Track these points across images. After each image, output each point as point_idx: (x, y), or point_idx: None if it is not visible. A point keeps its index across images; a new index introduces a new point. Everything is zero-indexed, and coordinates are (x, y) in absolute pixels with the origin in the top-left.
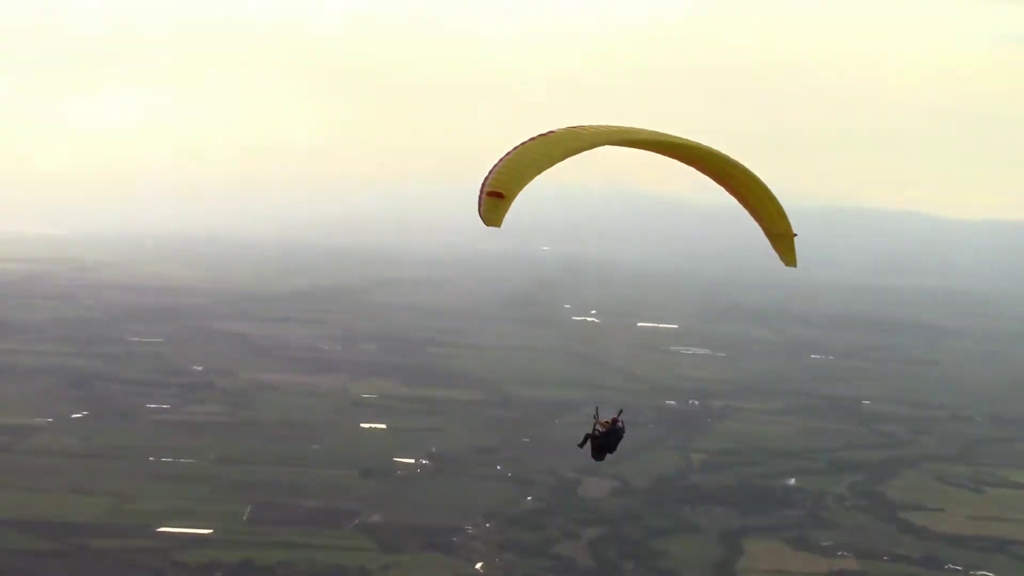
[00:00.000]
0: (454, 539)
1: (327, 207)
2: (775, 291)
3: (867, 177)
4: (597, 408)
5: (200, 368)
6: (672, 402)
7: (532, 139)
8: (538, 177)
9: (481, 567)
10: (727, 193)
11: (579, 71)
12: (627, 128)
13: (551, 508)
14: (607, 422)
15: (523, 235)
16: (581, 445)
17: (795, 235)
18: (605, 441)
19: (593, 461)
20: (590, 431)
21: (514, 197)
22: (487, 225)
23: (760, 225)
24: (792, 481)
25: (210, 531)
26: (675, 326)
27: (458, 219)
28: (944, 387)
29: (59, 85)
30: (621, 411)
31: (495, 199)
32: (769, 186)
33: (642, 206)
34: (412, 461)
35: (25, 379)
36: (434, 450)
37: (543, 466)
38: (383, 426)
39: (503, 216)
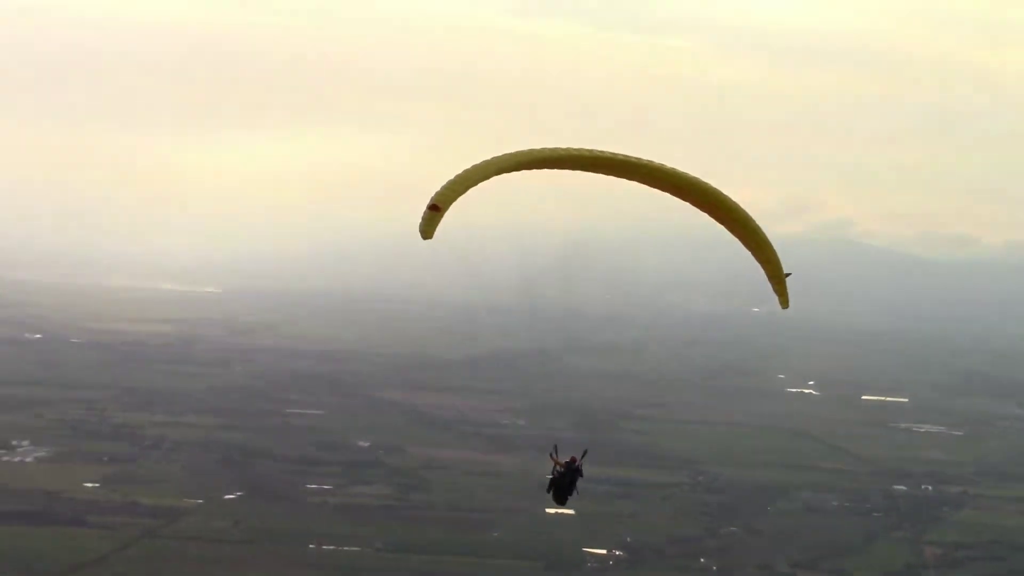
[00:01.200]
0: None
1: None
2: (1022, 359)
3: None
4: (555, 446)
5: (366, 444)
6: (902, 487)
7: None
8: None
9: None
10: (966, 248)
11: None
12: (590, 151)
13: None
14: (565, 462)
15: (729, 294)
16: (549, 490)
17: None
18: (561, 482)
19: (807, 555)
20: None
21: (447, 208)
22: (423, 238)
23: (757, 259)
24: None
25: None
26: (905, 399)
27: (662, 271)
28: None
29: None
30: (585, 452)
31: (432, 212)
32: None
33: (868, 260)
34: (604, 552)
35: (174, 455)
36: (629, 540)
37: (754, 559)
38: (571, 512)
39: (435, 228)
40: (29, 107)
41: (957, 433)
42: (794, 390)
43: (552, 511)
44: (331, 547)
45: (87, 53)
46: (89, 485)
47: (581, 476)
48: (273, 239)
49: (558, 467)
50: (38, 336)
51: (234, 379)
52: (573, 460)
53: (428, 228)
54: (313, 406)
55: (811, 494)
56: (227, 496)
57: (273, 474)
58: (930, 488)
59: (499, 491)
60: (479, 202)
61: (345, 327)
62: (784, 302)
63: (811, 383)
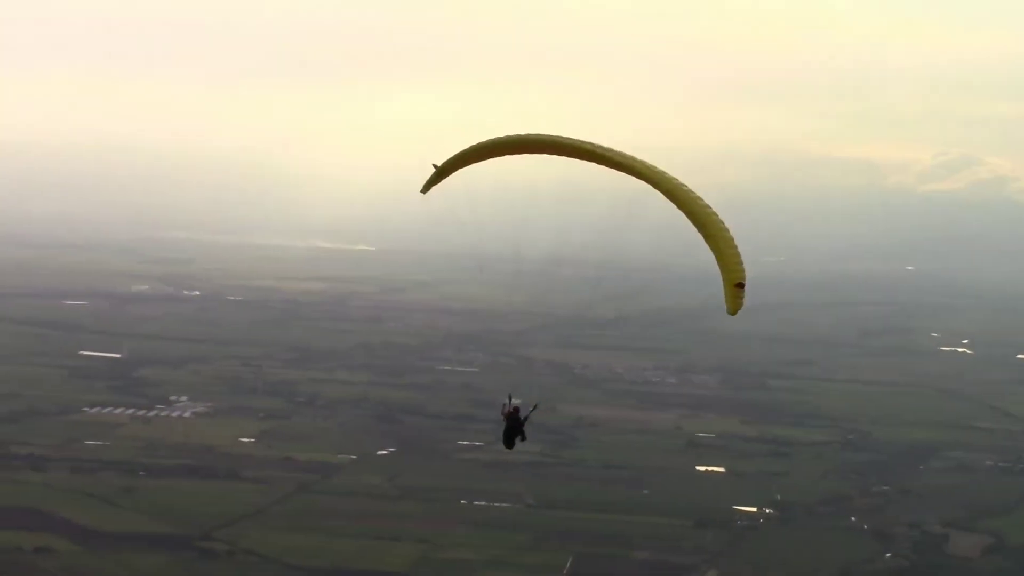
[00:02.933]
0: None
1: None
2: None
3: None
4: (509, 395)
5: (517, 401)
6: None
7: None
8: (896, 183)
9: None
10: None
11: None
12: (572, 141)
13: (914, 567)
14: (508, 412)
15: (883, 255)
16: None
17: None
18: (509, 430)
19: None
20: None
21: (447, 173)
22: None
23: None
24: None
25: None
26: None
27: (804, 232)
28: None
29: (357, 89)
30: (535, 406)
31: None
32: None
33: (1021, 216)
34: (754, 510)
35: (329, 411)
36: (779, 498)
37: (906, 518)
38: (721, 469)
39: (430, 186)
40: (177, 67)
41: None
42: (947, 349)
43: (703, 468)
44: (482, 503)
45: (235, 11)
46: (245, 440)
47: (523, 424)
48: (425, 197)
49: (503, 416)
50: (196, 293)
51: (387, 336)
52: (516, 410)
53: (425, 185)
54: (465, 364)
55: (964, 453)
56: (380, 452)
57: (426, 431)
58: None
59: (649, 448)
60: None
61: (494, 287)
62: (729, 307)
63: (965, 342)
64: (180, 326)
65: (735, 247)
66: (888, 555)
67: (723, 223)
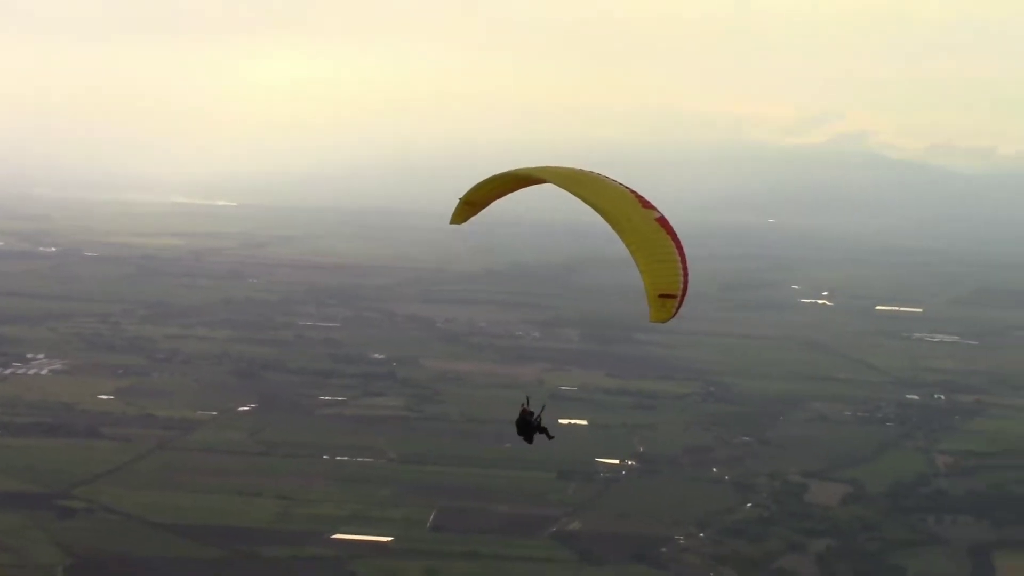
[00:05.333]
0: (663, 550)
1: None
2: None
3: None
4: (528, 398)
5: (380, 356)
6: (914, 396)
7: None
8: (759, 137)
9: None
10: (982, 160)
11: None
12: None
13: (774, 516)
14: (526, 411)
15: (745, 206)
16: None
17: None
18: (525, 426)
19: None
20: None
21: (478, 202)
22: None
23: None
24: None
25: (390, 539)
26: (919, 310)
27: (674, 184)
28: None
29: (217, 45)
30: (543, 407)
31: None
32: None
33: (884, 170)
34: (617, 462)
35: (188, 368)
36: (642, 450)
37: (766, 469)
38: (584, 422)
39: (461, 219)
40: (48, 25)
41: (971, 343)
42: (808, 301)
43: (566, 422)
44: (344, 458)
45: None
46: (103, 397)
47: (539, 429)
48: (289, 155)
49: (527, 413)
50: (53, 250)
51: (248, 292)
52: (532, 413)
53: (455, 217)
54: (328, 319)
55: (824, 404)
56: (241, 408)
57: (287, 386)
58: (943, 397)
59: (513, 402)
60: (507, 116)
61: (361, 242)
62: (652, 314)
63: (825, 294)
64: (36, 283)
65: (667, 260)
66: (749, 505)
67: (658, 235)
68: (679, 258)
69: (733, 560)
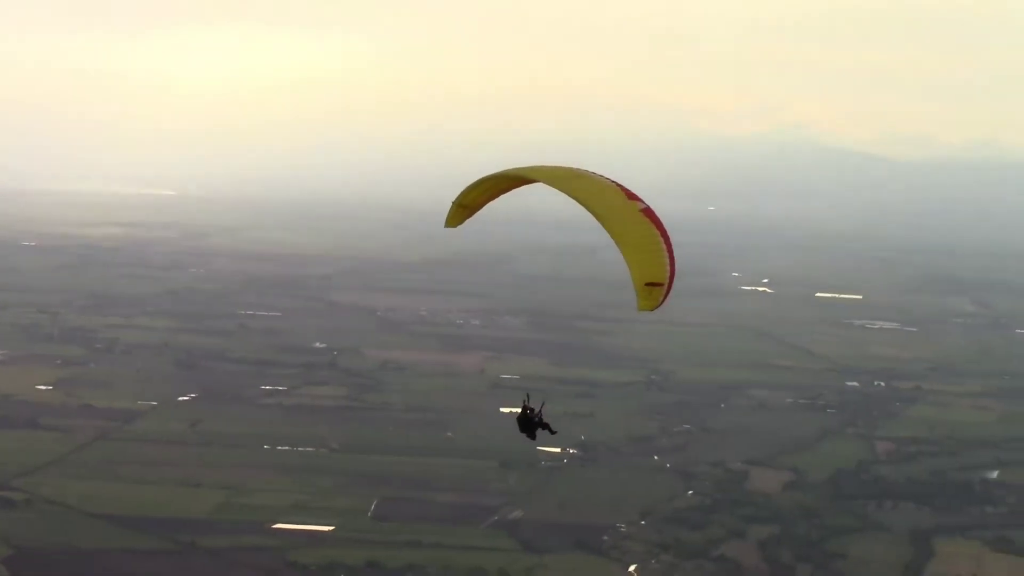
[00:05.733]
0: (605, 538)
1: (453, 160)
2: (978, 259)
3: None
4: (528, 395)
5: (321, 345)
6: (855, 383)
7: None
8: (701, 126)
9: (635, 570)
10: (924, 148)
11: None
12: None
13: (716, 504)
14: (527, 407)
15: (686, 194)
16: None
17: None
18: (526, 422)
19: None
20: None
21: (471, 204)
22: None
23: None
24: (993, 474)
25: (331, 528)
26: (859, 297)
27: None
28: None
29: (156, 34)
30: (543, 403)
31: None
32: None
33: (825, 159)
34: (559, 451)
35: (129, 358)
36: (584, 438)
37: (707, 457)
38: None
39: (456, 222)
40: None
41: (911, 330)
42: (749, 288)
43: (508, 410)
44: (285, 448)
45: None
46: (42, 388)
47: (541, 425)
48: (232, 145)
49: (528, 410)
50: None
51: (189, 282)
52: (532, 409)
53: (449, 220)
54: (269, 309)
55: (765, 392)
56: (181, 398)
57: (228, 376)
58: (883, 384)
59: (454, 391)
60: (444, 109)
61: (302, 232)
62: (640, 303)
63: (765, 281)
64: None
65: (652, 249)
66: (690, 493)
67: (643, 225)
68: (665, 247)
69: (675, 548)
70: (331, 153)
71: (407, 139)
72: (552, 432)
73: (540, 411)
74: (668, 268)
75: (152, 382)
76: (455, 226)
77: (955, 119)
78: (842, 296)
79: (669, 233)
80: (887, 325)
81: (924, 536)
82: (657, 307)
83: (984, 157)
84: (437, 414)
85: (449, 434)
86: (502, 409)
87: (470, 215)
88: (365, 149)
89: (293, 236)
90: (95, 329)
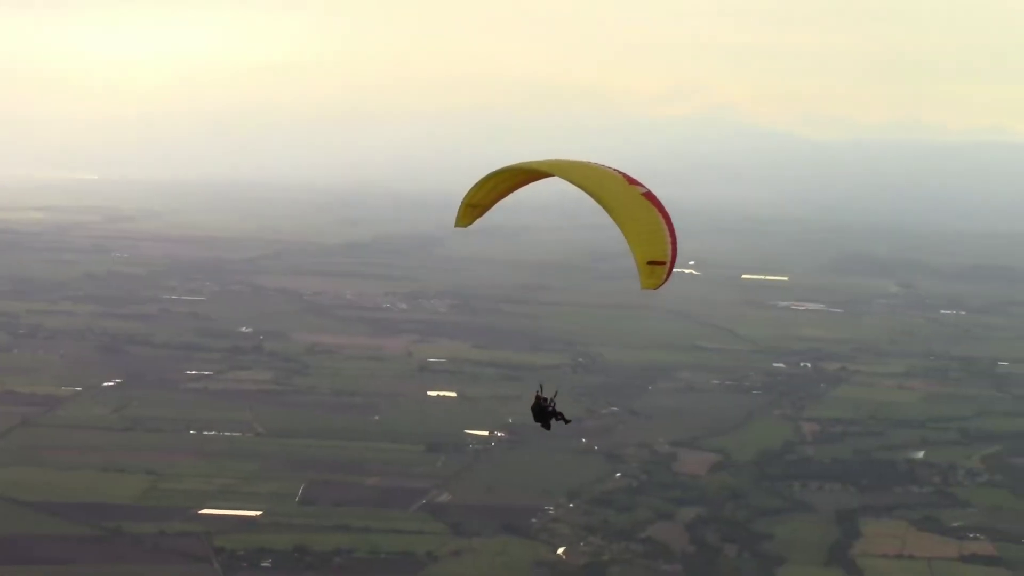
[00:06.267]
0: (533, 521)
1: (375, 145)
2: (901, 239)
3: (1015, 106)
4: (541, 385)
5: (247, 330)
6: (781, 364)
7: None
8: (628, 109)
9: (563, 552)
10: (847, 129)
11: None
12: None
13: (643, 486)
14: (541, 397)
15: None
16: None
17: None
18: (541, 412)
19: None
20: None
21: (481, 203)
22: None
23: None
24: (918, 454)
25: (258, 513)
26: (785, 278)
27: (542, 154)
28: None
29: (77, 17)
30: (556, 392)
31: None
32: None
33: (749, 140)
34: (486, 434)
35: (52, 343)
36: (511, 421)
37: (635, 439)
38: (453, 394)
39: (466, 220)
40: None
41: (836, 311)
42: (675, 270)
43: (435, 394)
44: (211, 432)
45: None
46: None
47: (555, 414)
48: (154, 127)
49: (542, 400)
50: None
51: (112, 266)
52: (546, 399)
53: (459, 220)
54: (194, 292)
55: (691, 374)
56: (106, 384)
57: (152, 361)
58: (809, 365)
59: (381, 374)
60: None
61: (227, 215)
62: (643, 282)
63: (691, 263)
64: None
65: (653, 230)
66: (618, 475)
67: (644, 208)
68: (666, 228)
69: (603, 530)
70: (260, 139)
71: (332, 123)
72: (567, 422)
73: (554, 401)
74: (670, 247)
75: (76, 367)
76: (466, 226)
77: (875, 100)
78: (768, 278)
79: (589, 214)
80: (813, 306)
81: (850, 516)
82: (660, 285)
83: (904, 137)
84: (364, 398)
85: (376, 418)
86: (429, 392)
87: (480, 214)
88: (293, 134)
89: (218, 219)
90: (18, 314)
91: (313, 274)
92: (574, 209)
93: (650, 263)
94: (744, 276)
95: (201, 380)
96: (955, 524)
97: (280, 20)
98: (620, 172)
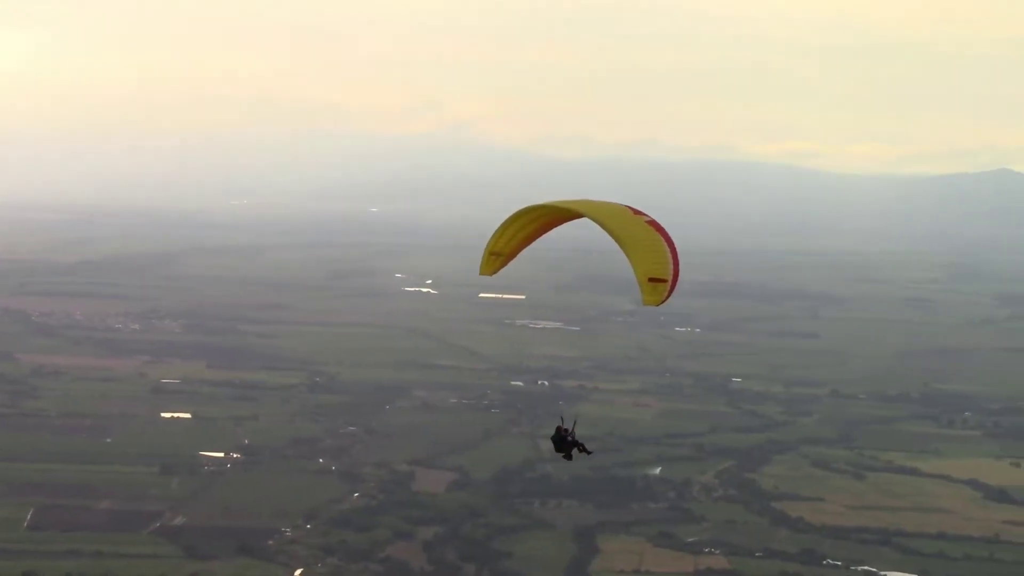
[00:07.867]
0: (270, 543)
1: (114, 164)
2: None
3: (744, 125)
4: (562, 416)
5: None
6: (518, 383)
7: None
8: (370, 126)
9: (300, 574)
10: (582, 148)
11: None
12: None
13: (381, 505)
14: (563, 428)
15: (346, 195)
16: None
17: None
18: (560, 442)
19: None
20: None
21: (505, 252)
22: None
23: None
24: (655, 470)
25: None
26: (522, 296)
27: (282, 172)
28: (824, 362)
29: None
30: (575, 422)
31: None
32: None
33: (488, 158)
34: (221, 455)
35: None
36: (247, 442)
37: (372, 458)
38: (187, 415)
39: (490, 269)
40: None
41: (573, 329)
42: (412, 289)
43: (169, 415)
44: None
45: None
46: None
47: (575, 444)
48: None
49: (563, 431)
50: None
51: None
52: (566, 431)
53: (484, 269)
54: None
55: (429, 392)
56: None
57: None
58: (546, 383)
59: (113, 396)
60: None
61: None
62: (644, 298)
63: (429, 282)
64: None
65: (655, 250)
66: (356, 495)
67: (647, 233)
68: (668, 250)
69: (341, 550)
70: None
71: (70, 141)
72: (588, 453)
73: (573, 430)
74: (671, 267)
75: None
76: (490, 274)
77: (612, 120)
78: (505, 296)
79: (324, 234)
80: (550, 324)
81: (588, 533)
82: (662, 302)
83: (642, 157)
84: (95, 420)
85: (108, 440)
86: (163, 414)
87: (505, 262)
88: (32, 150)
89: None
90: None
91: (42, 294)
92: (304, 226)
93: (651, 280)
94: (481, 295)
95: None
96: (690, 539)
97: (12, 35)
98: (628, 206)
